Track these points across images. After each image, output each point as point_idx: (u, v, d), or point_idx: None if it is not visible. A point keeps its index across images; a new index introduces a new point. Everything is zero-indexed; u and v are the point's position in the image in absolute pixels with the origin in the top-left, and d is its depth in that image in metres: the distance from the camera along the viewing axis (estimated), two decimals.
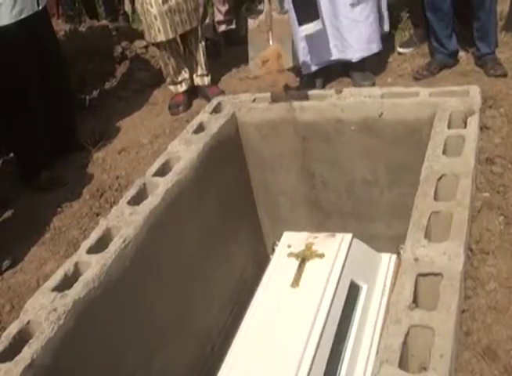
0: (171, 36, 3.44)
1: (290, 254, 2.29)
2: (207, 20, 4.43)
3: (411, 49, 3.82)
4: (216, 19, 4.48)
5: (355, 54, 3.39)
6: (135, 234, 1.98)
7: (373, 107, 2.49)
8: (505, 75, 3.24)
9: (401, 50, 3.83)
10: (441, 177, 1.88)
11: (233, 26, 4.45)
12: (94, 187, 3.03)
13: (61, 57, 3.42)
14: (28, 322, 1.66)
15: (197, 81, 3.74)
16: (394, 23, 3.72)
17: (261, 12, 2.67)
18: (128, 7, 5.26)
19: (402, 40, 3.91)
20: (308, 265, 2.22)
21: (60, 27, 4.73)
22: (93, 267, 1.83)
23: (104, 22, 4.98)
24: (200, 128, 2.60)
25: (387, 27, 3.60)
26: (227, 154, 2.67)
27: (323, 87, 3.48)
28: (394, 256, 2.36)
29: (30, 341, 1.60)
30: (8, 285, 2.53)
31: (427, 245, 1.60)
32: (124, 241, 1.94)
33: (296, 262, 2.24)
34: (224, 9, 4.38)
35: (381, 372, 1.30)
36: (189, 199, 2.33)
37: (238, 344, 2.03)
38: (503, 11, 3.75)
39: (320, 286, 2.08)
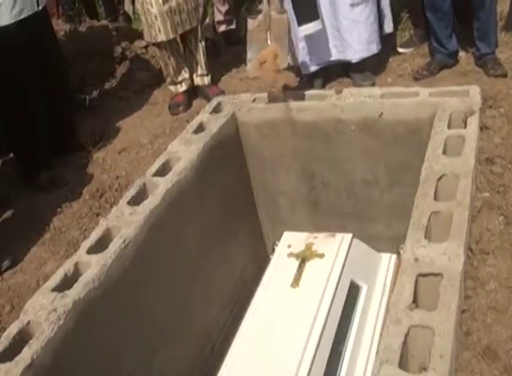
0: (171, 36, 3.44)
1: (290, 255, 2.29)
2: (207, 20, 4.43)
3: (411, 49, 3.82)
4: (216, 19, 4.48)
5: (354, 55, 3.39)
6: (135, 234, 1.98)
7: (373, 107, 2.49)
8: (505, 75, 3.24)
9: (401, 50, 3.83)
10: (441, 177, 1.88)
11: (233, 26, 4.46)
12: (94, 187, 3.03)
13: (61, 57, 3.42)
14: (28, 322, 1.66)
15: (197, 81, 3.74)
16: (395, 23, 3.71)
17: (261, 12, 2.67)
18: (128, 7, 5.26)
19: (402, 40, 3.91)
20: (308, 265, 2.22)
21: (60, 27, 4.74)
22: (93, 267, 1.83)
23: (104, 22, 4.98)
24: (200, 128, 2.60)
25: (390, 28, 3.59)
26: (227, 154, 2.67)
27: (323, 87, 3.48)
28: (394, 256, 2.36)
29: (30, 341, 1.60)
30: (8, 285, 2.53)
31: (427, 245, 1.60)
32: (124, 241, 1.94)
33: (296, 262, 2.24)
34: (224, 9, 4.38)
35: (381, 372, 1.30)
36: (189, 199, 2.33)
37: (238, 344, 2.03)
38: (503, 11, 3.75)
39: (320, 286, 2.08)
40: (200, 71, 3.72)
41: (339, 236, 2.32)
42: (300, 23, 3.17)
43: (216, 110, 2.76)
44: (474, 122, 2.18)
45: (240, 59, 3.84)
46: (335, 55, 3.43)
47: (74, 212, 2.89)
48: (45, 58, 3.17)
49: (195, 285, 2.41)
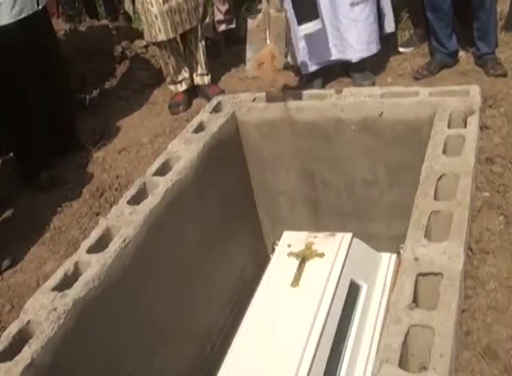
0: (171, 35, 3.44)
1: (290, 254, 2.29)
2: (207, 20, 4.44)
3: (411, 49, 3.82)
4: (216, 18, 4.48)
5: (354, 54, 3.39)
6: (135, 234, 1.98)
7: (373, 107, 2.49)
8: (505, 75, 3.24)
9: (401, 50, 3.84)
10: (441, 177, 1.88)
11: (233, 25, 4.46)
12: (94, 187, 3.03)
13: (61, 57, 3.42)
14: (28, 322, 1.66)
15: (197, 80, 3.74)
16: (395, 22, 3.71)
17: (261, 11, 2.67)
18: (128, 7, 5.26)
19: (402, 40, 3.91)
20: (308, 264, 2.22)
21: (60, 26, 4.74)
22: (93, 267, 1.83)
23: (104, 21, 4.98)
24: (200, 128, 2.60)
25: (392, 27, 3.58)
26: (227, 154, 2.67)
27: (323, 87, 3.48)
28: (394, 256, 2.36)
29: (30, 340, 1.60)
30: (8, 285, 2.53)
31: (427, 245, 1.60)
32: (124, 241, 1.93)
33: (296, 262, 2.24)
34: (224, 8, 4.38)
35: (381, 372, 1.30)
36: (189, 198, 2.33)
37: (238, 343, 2.03)
38: (503, 11, 3.75)
39: (320, 285, 2.08)
40: (200, 71, 3.72)
41: (339, 235, 2.32)
42: (300, 22, 3.17)
43: (216, 109, 2.76)
44: (474, 122, 2.18)
45: (240, 59, 3.84)
46: (335, 54, 3.43)
47: (74, 212, 2.89)
48: (45, 57, 3.17)
49: (195, 285, 2.41)
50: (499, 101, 2.81)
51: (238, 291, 2.76)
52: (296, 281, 2.16)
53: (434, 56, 3.55)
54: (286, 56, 2.75)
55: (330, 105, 2.57)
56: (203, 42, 3.70)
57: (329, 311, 1.99)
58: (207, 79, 3.74)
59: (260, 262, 2.80)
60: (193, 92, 3.76)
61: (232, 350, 2.02)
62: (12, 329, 1.65)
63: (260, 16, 2.62)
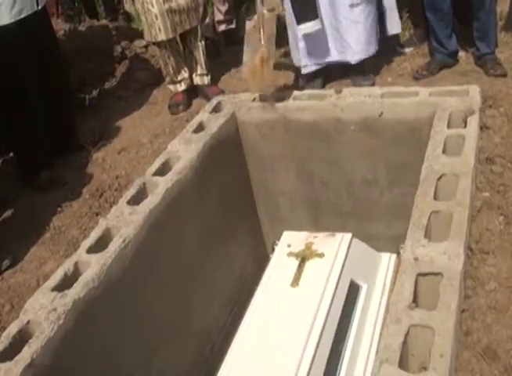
0: (171, 35, 3.45)
1: (290, 254, 2.29)
2: (207, 20, 4.44)
3: (411, 49, 3.83)
4: (216, 18, 4.48)
5: (353, 56, 3.38)
6: (135, 234, 1.98)
7: (373, 107, 2.49)
8: (505, 75, 3.24)
9: (401, 50, 3.84)
10: (441, 176, 1.88)
11: (233, 25, 4.46)
12: (94, 187, 3.03)
13: (61, 57, 3.42)
14: (28, 322, 1.66)
15: (197, 80, 3.74)
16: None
17: None
18: (129, 7, 5.25)
19: (402, 40, 3.92)
20: (308, 264, 2.22)
21: (60, 26, 4.74)
22: (93, 267, 1.83)
23: (104, 21, 4.99)
24: (200, 128, 2.60)
25: (396, 29, 3.57)
26: (227, 154, 2.67)
27: (323, 87, 3.48)
28: (394, 256, 2.36)
29: (30, 340, 1.60)
30: (8, 285, 2.53)
31: (426, 245, 1.60)
32: (124, 241, 1.93)
33: (296, 262, 2.24)
34: (224, 8, 4.38)
35: (381, 372, 1.30)
36: (189, 198, 2.33)
37: (238, 343, 2.03)
38: (503, 11, 3.75)
39: (320, 285, 2.08)
40: (199, 71, 3.72)
41: (339, 235, 2.32)
42: (299, 22, 3.18)
43: (216, 109, 2.76)
44: (473, 122, 2.18)
45: (240, 59, 3.82)
46: (334, 55, 3.43)
47: (74, 212, 2.89)
48: (45, 57, 3.17)
49: (195, 285, 2.41)
50: (498, 101, 2.81)
51: (238, 291, 2.76)
52: (296, 281, 2.16)
53: (434, 56, 3.55)
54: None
55: (330, 105, 2.57)
56: (203, 42, 3.70)
57: (329, 311, 1.99)
58: (206, 79, 3.74)
59: (260, 262, 2.80)
60: (193, 92, 3.76)
61: (231, 350, 2.02)
62: (12, 329, 1.65)
63: (256, 17, 2.62)
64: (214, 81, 3.83)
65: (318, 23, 3.18)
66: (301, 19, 3.18)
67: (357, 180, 2.72)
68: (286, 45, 3.59)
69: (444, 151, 2.02)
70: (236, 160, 2.81)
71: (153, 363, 2.12)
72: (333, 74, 3.59)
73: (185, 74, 3.67)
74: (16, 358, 1.56)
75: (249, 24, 2.65)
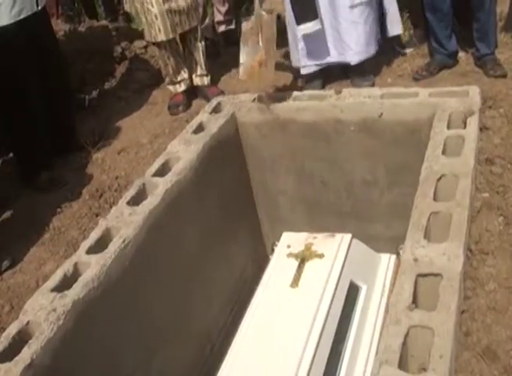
0: (171, 36, 3.44)
1: (290, 255, 2.29)
2: (207, 20, 4.44)
3: (411, 50, 3.83)
4: (216, 19, 4.48)
5: (353, 57, 3.38)
6: (135, 234, 1.98)
7: (373, 108, 2.49)
8: (504, 76, 3.24)
9: (401, 50, 3.84)
10: (440, 177, 1.88)
11: (233, 26, 4.45)
12: (93, 187, 3.03)
13: (61, 57, 3.42)
14: (28, 322, 1.66)
15: (197, 81, 3.74)
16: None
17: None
18: (129, 7, 5.25)
19: (402, 40, 3.91)
20: (308, 265, 2.22)
21: (60, 27, 4.74)
22: (93, 267, 1.83)
23: (104, 22, 4.99)
24: (200, 128, 2.60)
25: (397, 30, 3.57)
26: (227, 154, 2.67)
27: (323, 87, 3.48)
28: (393, 256, 2.36)
29: (30, 341, 1.60)
30: (7, 285, 2.53)
31: (426, 245, 1.60)
32: (124, 241, 1.93)
33: (295, 263, 2.24)
34: (223, 9, 4.38)
35: (381, 373, 1.30)
36: (189, 199, 2.33)
37: (238, 344, 2.03)
38: (503, 12, 3.75)
39: (320, 286, 2.08)
40: (199, 71, 3.72)
41: (338, 236, 2.32)
42: (299, 22, 3.17)
43: (216, 110, 2.76)
44: (473, 123, 2.18)
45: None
46: (334, 56, 3.43)
47: (74, 212, 2.89)
48: (45, 58, 3.17)
49: (194, 285, 2.41)
50: (498, 102, 2.81)
51: (237, 291, 2.76)
52: (295, 282, 2.16)
53: (434, 56, 3.55)
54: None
55: (330, 106, 2.57)
56: (203, 43, 3.69)
57: (328, 312, 1.99)
58: (206, 80, 3.74)
59: (259, 262, 2.80)
60: (193, 92, 3.76)
61: (231, 351, 2.02)
62: (12, 330, 1.65)
63: (253, 17, 2.62)
64: (214, 81, 3.83)
65: (318, 24, 3.18)
66: (300, 19, 3.18)
67: (357, 181, 2.72)
68: (286, 46, 3.59)
69: (444, 152, 2.02)
70: (236, 160, 2.81)
71: (153, 363, 2.12)
72: (332, 74, 3.59)
73: (184, 74, 3.67)
74: (16, 358, 1.56)
75: (245, 25, 2.64)
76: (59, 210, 2.91)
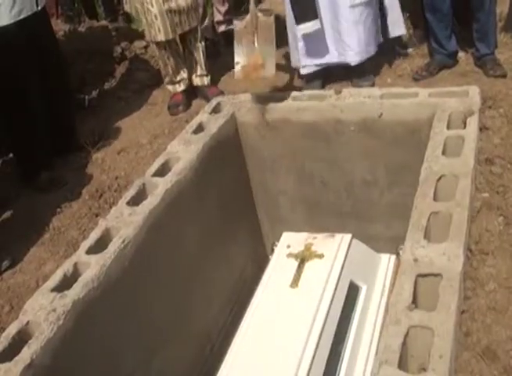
0: (170, 36, 3.44)
1: (290, 255, 2.29)
2: (207, 21, 4.43)
3: (410, 50, 3.82)
4: (216, 19, 4.48)
5: (354, 57, 3.37)
6: (135, 235, 1.98)
7: (373, 108, 2.49)
8: (504, 76, 3.24)
9: (402, 51, 3.83)
10: (440, 177, 1.89)
11: (233, 26, 4.45)
12: (93, 188, 3.03)
13: (61, 57, 3.42)
14: (27, 322, 1.66)
15: (197, 81, 3.74)
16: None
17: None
18: (129, 7, 5.25)
19: (401, 40, 3.91)
20: (308, 265, 2.22)
21: (60, 27, 4.74)
22: (92, 267, 1.83)
23: (103, 22, 4.98)
24: (200, 129, 2.60)
25: (400, 31, 3.57)
26: (226, 155, 2.67)
27: (323, 88, 3.47)
28: (393, 257, 2.36)
29: (30, 341, 1.60)
30: (7, 285, 2.53)
31: (426, 246, 1.61)
32: (124, 242, 1.94)
33: (295, 263, 2.24)
34: (223, 9, 4.38)
35: (381, 373, 1.30)
36: (189, 199, 2.33)
37: (237, 344, 2.03)
38: (503, 12, 3.75)
39: (319, 286, 2.08)
40: (199, 71, 3.71)
41: (338, 236, 2.32)
42: (298, 21, 3.17)
43: (215, 110, 2.77)
44: (473, 123, 2.18)
45: None
46: (334, 56, 3.42)
47: (74, 212, 2.88)
48: (45, 58, 3.17)
49: (194, 285, 2.41)
50: (498, 102, 2.81)
51: (237, 291, 2.76)
52: (295, 282, 2.16)
53: (434, 56, 3.55)
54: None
55: (330, 106, 2.58)
56: (203, 43, 3.69)
57: (328, 312, 1.99)
58: (206, 80, 3.74)
59: (259, 262, 2.80)
60: (193, 92, 3.76)
61: (231, 351, 2.02)
62: (12, 330, 1.65)
63: (247, 17, 2.62)
64: (214, 81, 3.83)
65: (317, 23, 3.17)
66: (300, 19, 3.18)
67: (357, 181, 2.72)
68: (285, 46, 3.59)
69: (443, 152, 2.02)
70: (236, 160, 2.81)
71: (153, 363, 2.12)
72: (332, 74, 3.59)
73: (184, 74, 3.67)
74: (16, 358, 1.56)
75: (238, 23, 2.64)
76: (59, 210, 2.91)
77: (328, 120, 2.59)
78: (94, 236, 1.98)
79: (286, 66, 3.69)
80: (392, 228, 2.69)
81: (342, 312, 2.06)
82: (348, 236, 2.30)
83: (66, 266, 1.85)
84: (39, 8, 3.06)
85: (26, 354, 1.56)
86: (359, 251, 2.30)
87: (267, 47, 2.57)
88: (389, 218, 2.72)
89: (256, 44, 2.55)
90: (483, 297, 1.67)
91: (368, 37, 3.37)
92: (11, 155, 3.42)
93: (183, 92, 3.69)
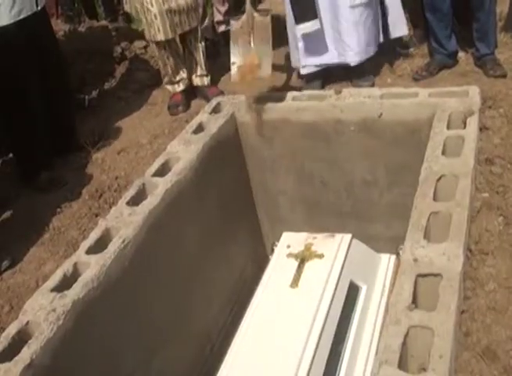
0: (170, 36, 3.44)
1: (290, 255, 2.29)
2: (207, 21, 4.43)
3: (410, 50, 3.82)
4: (215, 19, 4.48)
5: (354, 58, 3.37)
6: (135, 235, 1.98)
7: (373, 108, 2.49)
8: (504, 76, 3.24)
9: (400, 50, 3.83)
10: (440, 177, 1.88)
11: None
12: (93, 188, 3.03)
13: (61, 57, 3.42)
14: (27, 322, 1.66)
15: (197, 81, 3.74)
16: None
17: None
18: (129, 7, 5.25)
19: (402, 40, 3.91)
20: (308, 265, 2.22)
21: (59, 27, 4.74)
22: (92, 267, 1.83)
23: (103, 22, 4.99)
24: (200, 129, 2.60)
25: (402, 31, 3.57)
26: (226, 155, 2.67)
27: (323, 88, 3.47)
28: (393, 257, 2.36)
29: (30, 341, 1.60)
30: (7, 285, 2.53)
31: (426, 246, 1.60)
32: (124, 242, 1.93)
33: (295, 263, 2.24)
34: (223, 9, 4.38)
35: (381, 373, 1.30)
36: (189, 199, 2.33)
37: (237, 344, 2.03)
38: (503, 12, 3.75)
39: (319, 286, 2.08)
40: (199, 72, 3.72)
41: (338, 236, 2.32)
42: (298, 21, 3.17)
43: (215, 110, 2.76)
44: (473, 123, 2.18)
45: None
46: (334, 57, 3.42)
47: (74, 212, 2.89)
48: (45, 58, 3.17)
49: (194, 285, 2.41)
50: (498, 102, 2.81)
51: (237, 291, 2.76)
52: (295, 282, 2.16)
53: (434, 56, 3.55)
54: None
55: (330, 106, 2.57)
56: (203, 43, 3.69)
57: (328, 312, 1.99)
58: (206, 80, 3.74)
59: (259, 262, 2.80)
60: (192, 92, 3.76)
61: (231, 351, 2.02)
62: (12, 330, 1.65)
63: (244, 17, 2.61)
64: (214, 81, 3.83)
65: (317, 23, 3.17)
66: (299, 18, 3.18)
67: (357, 181, 2.72)
68: (285, 46, 3.59)
69: (443, 152, 2.02)
70: (236, 160, 2.81)
71: (153, 363, 2.12)
72: (332, 74, 3.59)
73: (183, 74, 3.67)
74: (16, 358, 1.56)
75: (234, 24, 2.64)
76: (58, 210, 2.91)
77: (328, 120, 2.59)
78: (94, 236, 1.98)
79: (285, 66, 3.70)
80: (392, 228, 2.69)
81: (342, 312, 2.06)
82: (348, 236, 2.30)
83: (66, 266, 1.85)
84: (39, 8, 3.06)
85: (26, 354, 1.56)
86: (359, 251, 2.30)
87: (263, 47, 2.57)
88: (389, 218, 2.72)
89: (252, 44, 2.54)
90: (483, 297, 1.67)
91: (368, 38, 3.37)
92: (11, 155, 3.42)
93: (183, 92, 3.69)
